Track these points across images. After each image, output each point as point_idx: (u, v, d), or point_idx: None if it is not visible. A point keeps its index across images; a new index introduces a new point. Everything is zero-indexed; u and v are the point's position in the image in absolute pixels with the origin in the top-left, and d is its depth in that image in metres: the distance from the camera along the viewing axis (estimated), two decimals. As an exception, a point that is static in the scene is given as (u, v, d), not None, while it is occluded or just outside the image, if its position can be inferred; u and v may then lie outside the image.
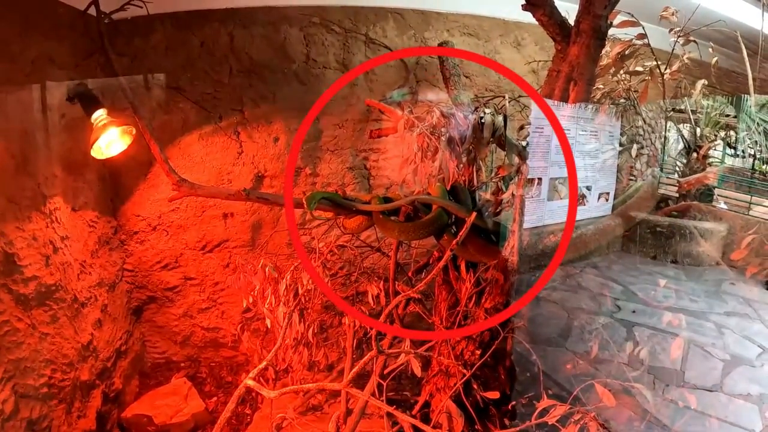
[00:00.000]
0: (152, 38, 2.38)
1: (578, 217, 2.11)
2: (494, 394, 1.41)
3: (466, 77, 2.54)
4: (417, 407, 1.86)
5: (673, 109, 3.53)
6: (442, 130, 1.51)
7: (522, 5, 1.48)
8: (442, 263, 1.41)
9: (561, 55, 1.49)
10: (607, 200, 2.32)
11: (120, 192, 2.50)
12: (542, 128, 1.90)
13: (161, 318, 2.66)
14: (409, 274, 1.89)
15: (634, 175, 3.72)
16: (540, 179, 1.92)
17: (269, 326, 1.90)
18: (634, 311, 2.97)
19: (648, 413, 2.11)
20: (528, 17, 2.39)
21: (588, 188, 2.19)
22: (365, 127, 2.46)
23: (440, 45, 2.31)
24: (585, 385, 1.53)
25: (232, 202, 2.43)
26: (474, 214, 1.44)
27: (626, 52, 1.91)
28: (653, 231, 3.50)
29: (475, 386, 1.46)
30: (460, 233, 1.41)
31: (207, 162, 2.43)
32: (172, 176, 1.72)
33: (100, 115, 2.04)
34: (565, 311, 3.10)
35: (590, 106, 2.09)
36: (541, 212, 1.97)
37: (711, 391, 2.28)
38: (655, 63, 2.13)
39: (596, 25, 1.39)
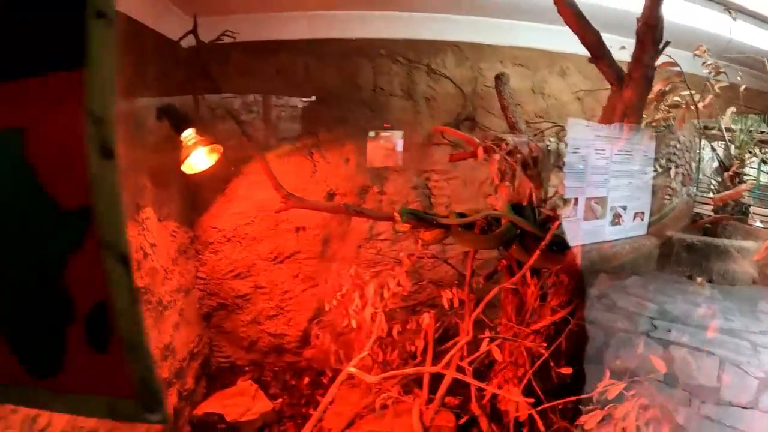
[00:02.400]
0: (230, 64, 2.90)
1: (613, 237, 2.33)
2: (567, 370, 1.89)
3: (518, 105, 3.07)
4: (485, 399, 2.33)
5: (707, 128, 3.83)
6: (518, 156, 2.02)
7: (588, 59, 2.01)
8: (527, 265, 1.91)
9: (616, 95, 2.01)
10: (642, 219, 2.54)
11: (198, 205, 3.00)
12: (578, 149, 2.38)
13: (229, 324, 3.14)
14: (481, 279, 2.38)
15: (669, 195, 4.13)
16: (576, 199, 2.37)
17: (354, 326, 2.39)
18: (669, 330, 3.17)
19: (684, 429, 2.38)
20: (571, 48, 2.96)
21: (623, 208, 2.42)
22: (428, 151, 2.99)
23: (496, 77, 2.84)
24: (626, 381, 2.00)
25: (305, 217, 2.94)
26: (557, 223, 1.94)
27: (666, 89, 2.45)
28: (688, 250, 3.78)
29: (552, 364, 1.94)
30: (545, 240, 1.91)
31: (283, 179, 2.91)
32: (281, 191, 2.23)
33: (189, 134, 2.53)
34: (601, 330, 3.46)
35: (624, 126, 2.58)
36: (577, 232, 2.39)
37: (746, 408, 2.47)
38: (689, 93, 2.66)
39: (645, 73, 1.92)
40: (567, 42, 2.92)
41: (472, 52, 3.08)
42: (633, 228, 2.48)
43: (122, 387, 0.49)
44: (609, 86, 2.65)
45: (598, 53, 1.93)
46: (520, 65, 3.17)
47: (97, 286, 0.46)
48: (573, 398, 1.90)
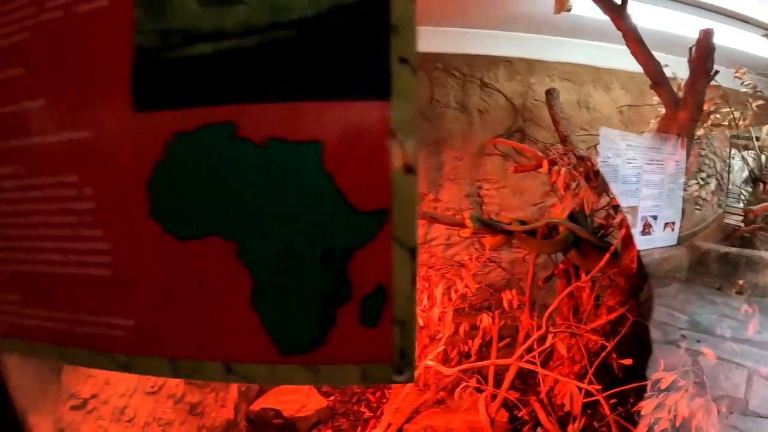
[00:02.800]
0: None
1: (643, 247, 2.54)
2: (628, 361, 2.30)
3: (566, 119, 3.49)
4: (543, 393, 2.73)
5: (737, 136, 4.25)
6: (580, 169, 2.44)
7: (649, 85, 2.43)
8: (597, 268, 2.32)
9: (671, 117, 2.42)
10: (672, 230, 2.79)
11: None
12: (609, 158, 2.78)
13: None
14: (540, 283, 2.80)
15: (699, 205, 4.48)
16: (608, 208, 2.73)
17: (421, 325, 2.78)
18: (699, 341, 3.38)
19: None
20: (615, 64, 3.41)
21: (654, 217, 2.68)
22: (480, 161, 3.41)
23: (547, 92, 3.26)
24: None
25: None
26: (624, 231, 2.35)
27: (711, 109, 2.89)
28: (718, 261, 4.13)
29: (614, 356, 2.35)
30: (611, 248, 2.33)
31: (342, 185, 3.34)
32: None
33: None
34: (631, 339, 3.88)
35: (657, 136, 2.97)
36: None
37: (773, 419, 2.73)
38: (730, 110, 3.10)
39: (698, 99, 2.35)
40: (611, 58, 3.39)
41: (523, 66, 3.51)
42: (663, 238, 2.72)
43: (379, 354, 0.58)
44: (650, 103, 3.11)
45: (658, 80, 2.35)
46: (567, 80, 3.59)
47: (380, 272, 0.56)
48: (632, 385, 2.30)
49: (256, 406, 3.35)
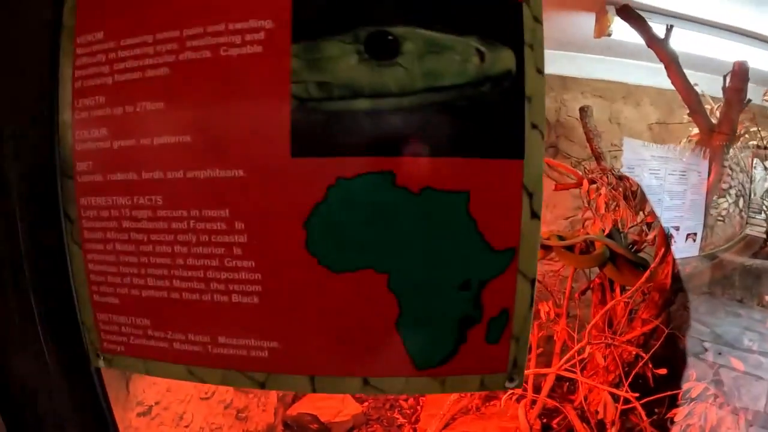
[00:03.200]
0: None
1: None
2: (662, 371, 2.57)
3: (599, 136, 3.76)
4: (576, 402, 3.01)
5: (760, 146, 4.18)
6: (619, 189, 2.72)
7: (687, 113, 2.71)
8: (638, 284, 2.60)
9: (705, 141, 2.71)
10: (694, 240, 3.06)
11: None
12: (633, 169, 3.03)
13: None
14: (576, 296, 3.07)
15: (722, 215, 4.66)
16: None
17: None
18: (720, 353, 3.48)
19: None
20: (646, 81, 3.69)
21: (676, 228, 2.91)
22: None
23: (580, 110, 3.52)
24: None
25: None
26: (663, 249, 2.63)
27: (742, 132, 3.16)
28: (740, 273, 4.18)
29: (650, 365, 2.63)
30: (645, 263, 2.61)
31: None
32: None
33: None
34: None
35: (679, 147, 3.21)
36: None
37: (794, 434, 2.80)
38: (758, 130, 3.38)
39: (732, 126, 2.63)
40: (641, 75, 3.67)
41: (556, 83, 3.78)
42: (685, 249, 2.96)
43: (497, 366, 0.69)
44: (680, 121, 3.40)
45: (695, 109, 2.64)
46: (599, 96, 3.87)
47: (506, 298, 0.68)
48: (666, 394, 2.57)
49: (293, 411, 3.59)
